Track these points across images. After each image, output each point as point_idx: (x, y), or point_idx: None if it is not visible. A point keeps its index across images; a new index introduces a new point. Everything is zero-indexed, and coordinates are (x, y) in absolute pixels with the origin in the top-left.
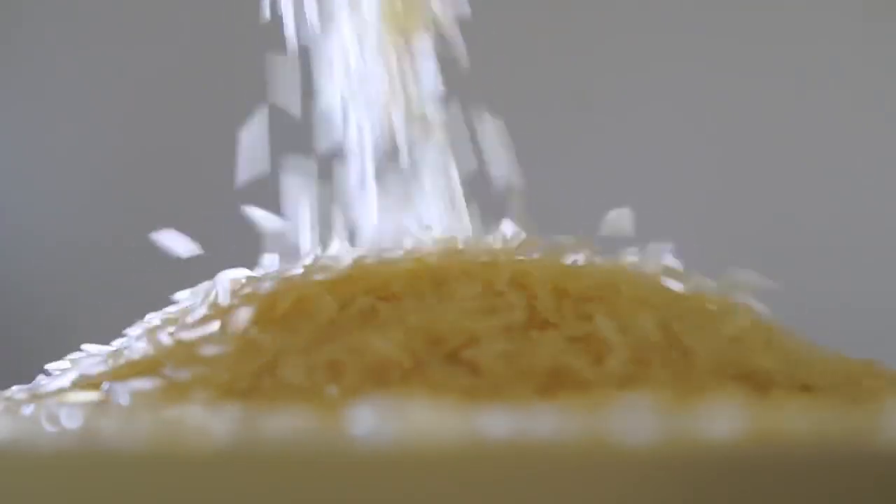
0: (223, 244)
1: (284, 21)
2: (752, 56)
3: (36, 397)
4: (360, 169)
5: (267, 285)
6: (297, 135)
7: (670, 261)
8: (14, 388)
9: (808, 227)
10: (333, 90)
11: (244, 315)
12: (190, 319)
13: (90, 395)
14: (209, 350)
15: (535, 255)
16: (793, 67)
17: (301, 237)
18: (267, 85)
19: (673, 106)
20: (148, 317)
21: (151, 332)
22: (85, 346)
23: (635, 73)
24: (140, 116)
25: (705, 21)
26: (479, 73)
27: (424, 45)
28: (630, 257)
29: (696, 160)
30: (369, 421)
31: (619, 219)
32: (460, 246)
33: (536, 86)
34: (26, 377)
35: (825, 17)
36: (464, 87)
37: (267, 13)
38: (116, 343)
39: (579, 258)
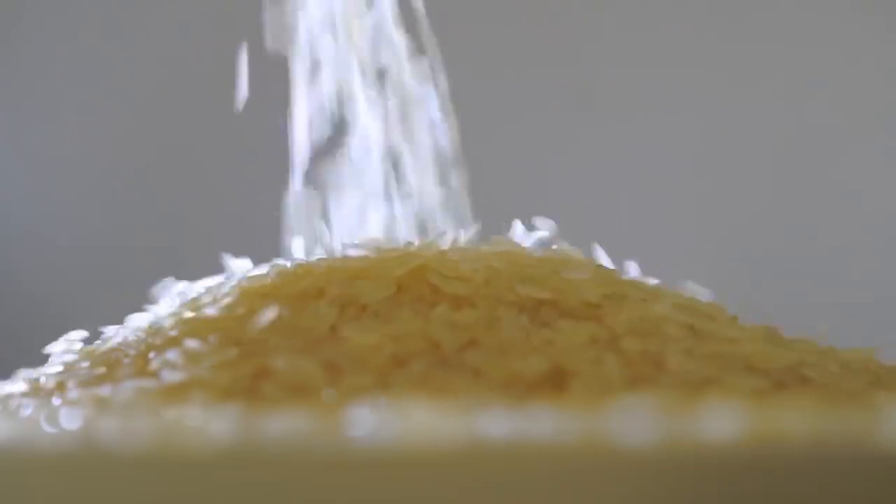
0: (223, 244)
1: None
2: (754, 56)
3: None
4: (359, 169)
5: (265, 285)
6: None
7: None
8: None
9: (809, 227)
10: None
11: (241, 315)
12: (186, 319)
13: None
14: (207, 350)
15: (537, 256)
16: (795, 68)
17: (300, 236)
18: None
19: (674, 106)
20: (140, 316)
21: (147, 331)
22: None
23: (637, 74)
24: (140, 116)
25: (707, 21)
26: (479, 72)
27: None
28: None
29: (696, 160)
30: (369, 422)
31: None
32: (461, 246)
33: (537, 86)
34: None
35: (827, 17)
36: (466, 86)
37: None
38: (110, 339)
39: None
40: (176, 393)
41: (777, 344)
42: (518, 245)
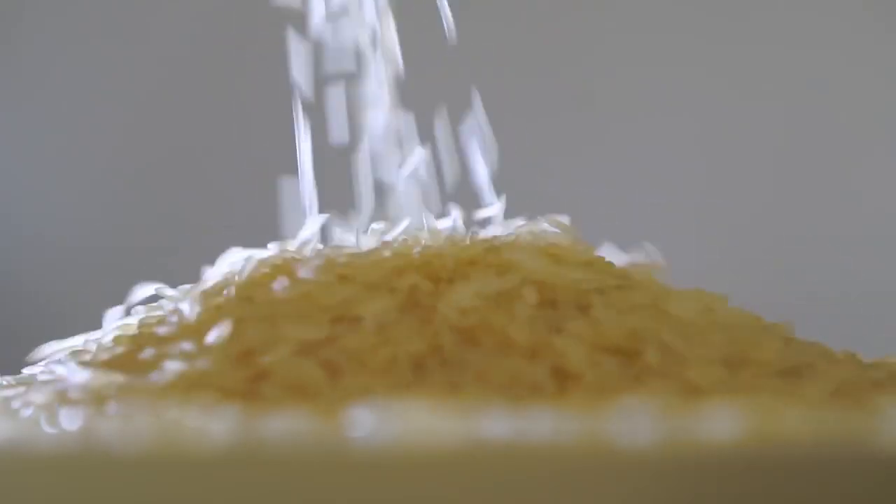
0: (223, 244)
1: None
2: (756, 56)
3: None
4: (360, 163)
5: (264, 282)
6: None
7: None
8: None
9: (811, 227)
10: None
11: (240, 314)
12: (184, 317)
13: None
14: (207, 350)
15: (538, 255)
16: (796, 68)
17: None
18: (266, 90)
19: (675, 106)
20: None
21: (144, 331)
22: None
23: (638, 74)
24: (140, 116)
25: (708, 21)
26: (480, 72)
27: None
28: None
29: (697, 160)
30: (368, 423)
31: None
32: (462, 241)
33: (538, 86)
34: None
35: (827, 18)
36: (465, 86)
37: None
38: (103, 337)
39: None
40: (176, 393)
41: (778, 343)
42: (519, 242)
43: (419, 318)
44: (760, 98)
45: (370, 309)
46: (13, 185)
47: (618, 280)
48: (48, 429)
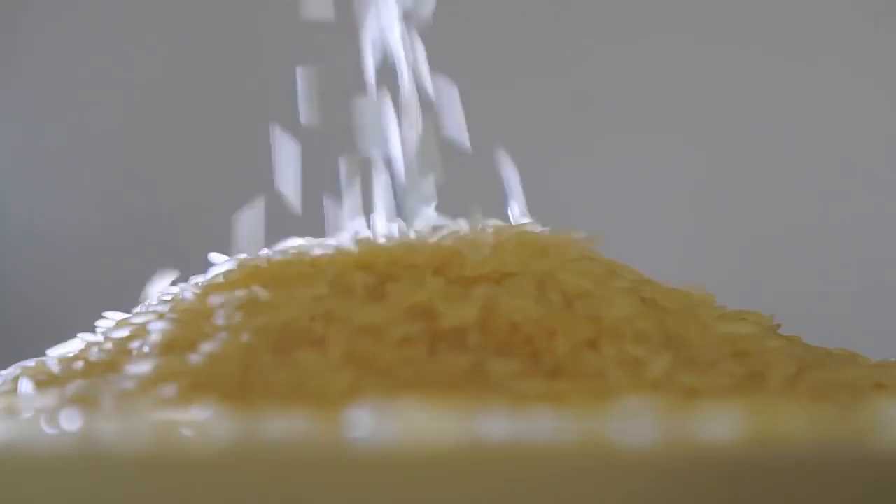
0: (224, 245)
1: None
2: (755, 58)
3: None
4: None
5: (263, 282)
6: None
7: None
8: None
9: (810, 227)
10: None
11: (239, 314)
12: (182, 317)
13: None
14: (205, 351)
15: (537, 253)
16: (795, 69)
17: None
18: (265, 88)
19: (675, 107)
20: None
21: (141, 331)
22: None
23: (638, 74)
24: (141, 117)
25: (709, 23)
26: (479, 72)
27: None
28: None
29: (697, 161)
30: (368, 423)
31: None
32: (461, 241)
33: (538, 86)
34: None
35: (828, 20)
36: (464, 87)
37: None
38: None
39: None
40: (175, 393)
41: (778, 343)
42: (518, 241)
43: (419, 318)
44: (760, 99)
45: (370, 309)
46: (13, 185)
47: (619, 279)
48: (48, 429)
